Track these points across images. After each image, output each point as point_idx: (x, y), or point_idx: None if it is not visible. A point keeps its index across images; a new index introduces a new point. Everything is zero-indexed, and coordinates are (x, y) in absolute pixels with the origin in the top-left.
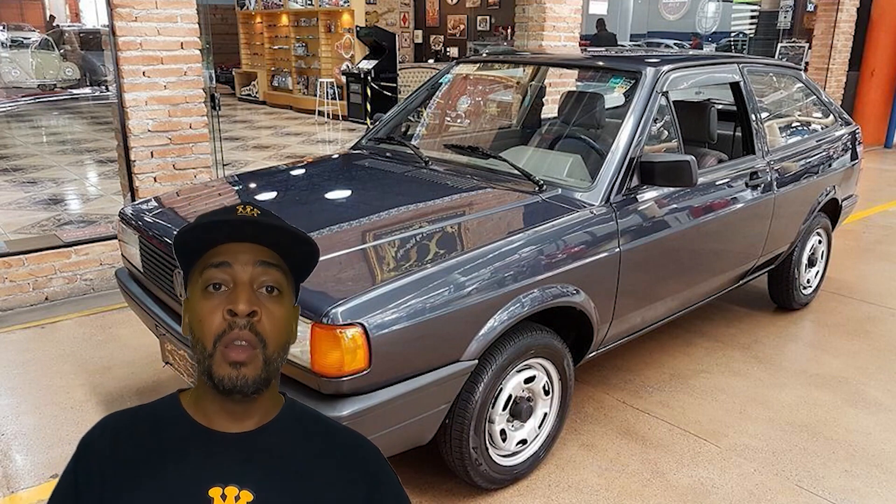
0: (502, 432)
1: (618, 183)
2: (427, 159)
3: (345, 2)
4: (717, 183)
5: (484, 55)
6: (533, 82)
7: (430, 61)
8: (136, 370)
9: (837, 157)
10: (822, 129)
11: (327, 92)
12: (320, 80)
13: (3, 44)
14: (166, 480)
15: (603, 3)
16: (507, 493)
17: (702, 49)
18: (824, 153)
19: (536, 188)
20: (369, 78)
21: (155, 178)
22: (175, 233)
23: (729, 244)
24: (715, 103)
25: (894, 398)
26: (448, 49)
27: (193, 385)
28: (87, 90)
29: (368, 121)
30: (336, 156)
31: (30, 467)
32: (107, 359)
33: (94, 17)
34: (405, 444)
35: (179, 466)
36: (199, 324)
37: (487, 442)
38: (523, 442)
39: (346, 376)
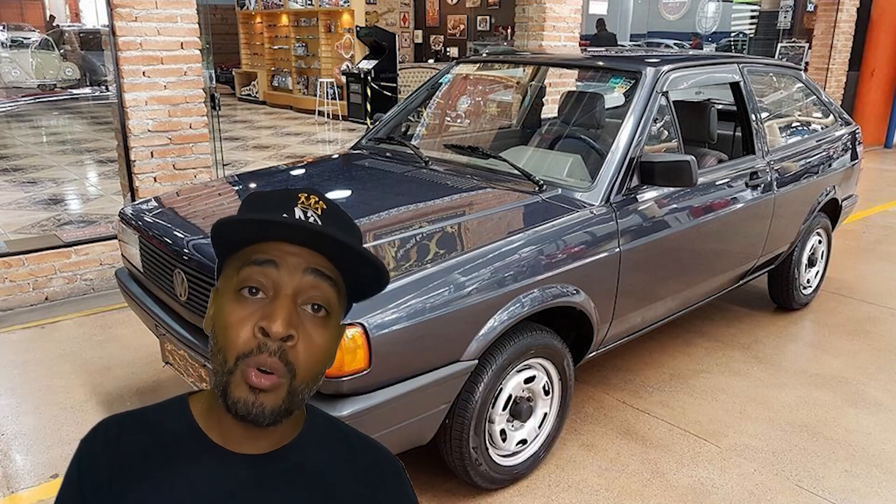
0: (502, 432)
1: (618, 183)
2: (427, 159)
3: (345, 2)
4: (717, 183)
5: (484, 55)
6: (533, 82)
7: (430, 61)
8: (136, 370)
9: (837, 157)
10: (822, 129)
11: (327, 92)
12: (320, 80)
13: (3, 44)
14: (175, 501)
15: (603, 3)
16: (507, 493)
17: (702, 49)
18: (824, 153)
19: (536, 188)
20: (369, 78)
21: (155, 178)
22: (214, 224)
23: (729, 244)
24: (715, 103)
25: (894, 398)
26: (448, 49)
27: (197, 387)
28: (87, 90)
29: (368, 121)
30: (336, 156)
31: (30, 467)
32: (107, 359)
33: (94, 17)
34: (405, 444)
35: (191, 487)
36: (223, 331)
37: (487, 442)
38: (523, 442)
39: (345, 376)
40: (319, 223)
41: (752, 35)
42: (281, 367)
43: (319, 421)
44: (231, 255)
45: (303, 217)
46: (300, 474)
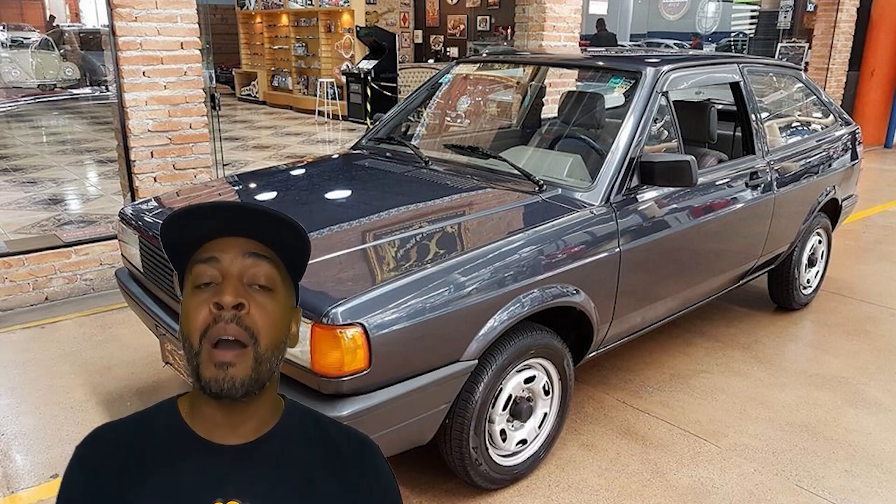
0: (502, 432)
1: (618, 183)
2: (427, 159)
3: (345, 2)
4: (717, 183)
5: (484, 55)
6: (533, 82)
7: (430, 61)
8: (136, 370)
9: (837, 157)
10: (821, 129)
11: (327, 92)
12: (320, 80)
13: (3, 44)
14: (165, 496)
15: (603, 3)
16: (507, 493)
17: (702, 49)
18: (824, 153)
19: (536, 188)
20: (369, 78)
21: (155, 178)
22: (162, 224)
23: (729, 244)
24: (715, 103)
25: (894, 398)
26: (448, 49)
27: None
28: (87, 90)
29: (368, 121)
30: (336, 156)
31: (30, 467)
32: (107, 359)
33: (94, 17)
34: (405, 444)
35: (178, 481)
36: (186, 319)
37: (487, 442)
38: (523, 442)
39: (346, 376)
40: None
41: (752, 35)
42: (241, 331)
43: (296, 411)
44: (185, 266)
45: None
46: (281, 460)
